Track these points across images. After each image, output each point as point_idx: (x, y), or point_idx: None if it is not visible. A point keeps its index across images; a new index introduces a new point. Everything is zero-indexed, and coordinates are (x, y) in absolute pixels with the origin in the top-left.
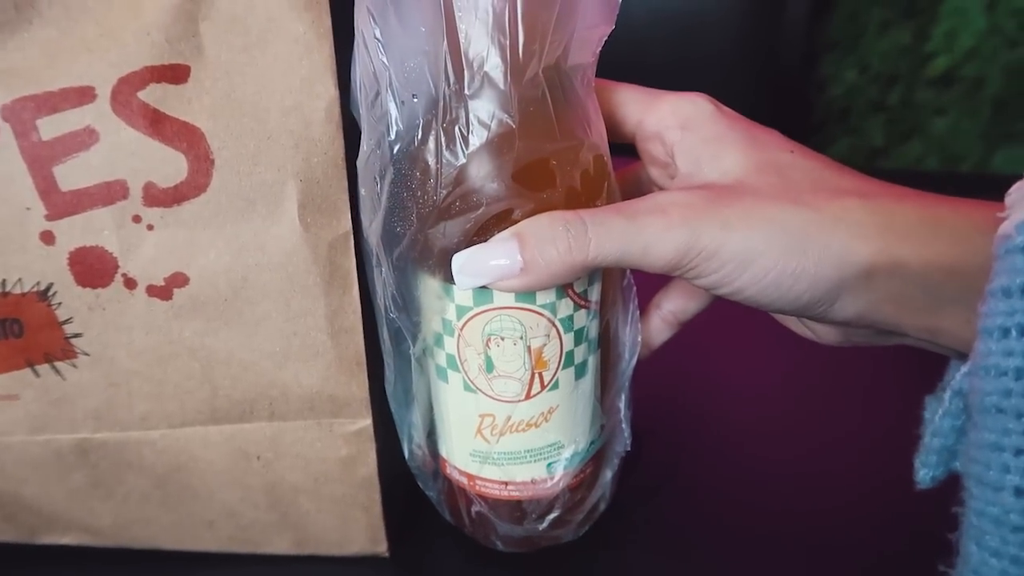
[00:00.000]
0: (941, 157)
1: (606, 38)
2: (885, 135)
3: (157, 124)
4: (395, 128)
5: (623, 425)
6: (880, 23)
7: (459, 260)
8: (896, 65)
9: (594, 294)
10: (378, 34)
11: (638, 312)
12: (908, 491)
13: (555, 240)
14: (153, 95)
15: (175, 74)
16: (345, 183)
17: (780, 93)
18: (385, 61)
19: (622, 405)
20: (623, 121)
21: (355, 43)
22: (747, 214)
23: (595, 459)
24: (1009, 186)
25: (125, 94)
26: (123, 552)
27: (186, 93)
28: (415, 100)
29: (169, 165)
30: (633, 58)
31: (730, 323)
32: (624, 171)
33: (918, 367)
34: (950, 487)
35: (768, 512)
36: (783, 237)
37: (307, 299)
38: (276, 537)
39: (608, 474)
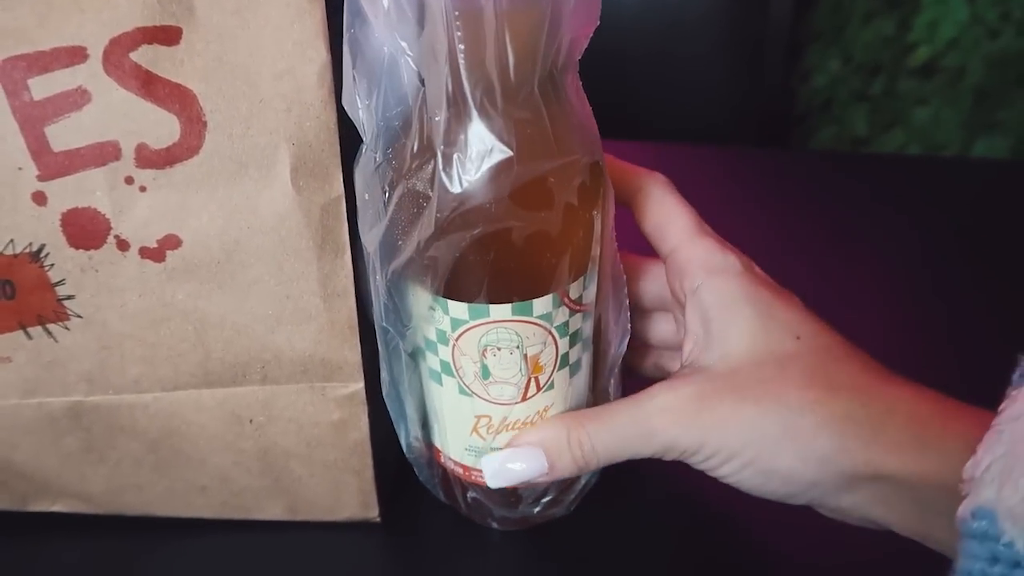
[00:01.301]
0: (923, 146)
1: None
2: (868, 124)
3: (149, 85)
4: (417, 145)
5: None
6: (863, 14)
7: (491, 468)
8: (879, 55)
9: (589, 296)
10: (408, 48)
11: (627, 300)
12: None
13: (570, 450)
14: (145, 56)
15: (167, 36)
16: (337, 147)
17: (765, 83)
18: (420, 77)
19: (612, 388)
20: (662, 240)
21: (352, 42)
22: (725, 420)
23: None
24: (988, 171)
25: (117, 55)
26: (115, 519)
27: (178, 55)
28: (436, 120)
29: (161, 127)
30: (620, 49)
31: None
32: (646, 265)
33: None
34: None
35: None
36: (758, 441)
37: (299, 263)
38: (268, 503)
39: None
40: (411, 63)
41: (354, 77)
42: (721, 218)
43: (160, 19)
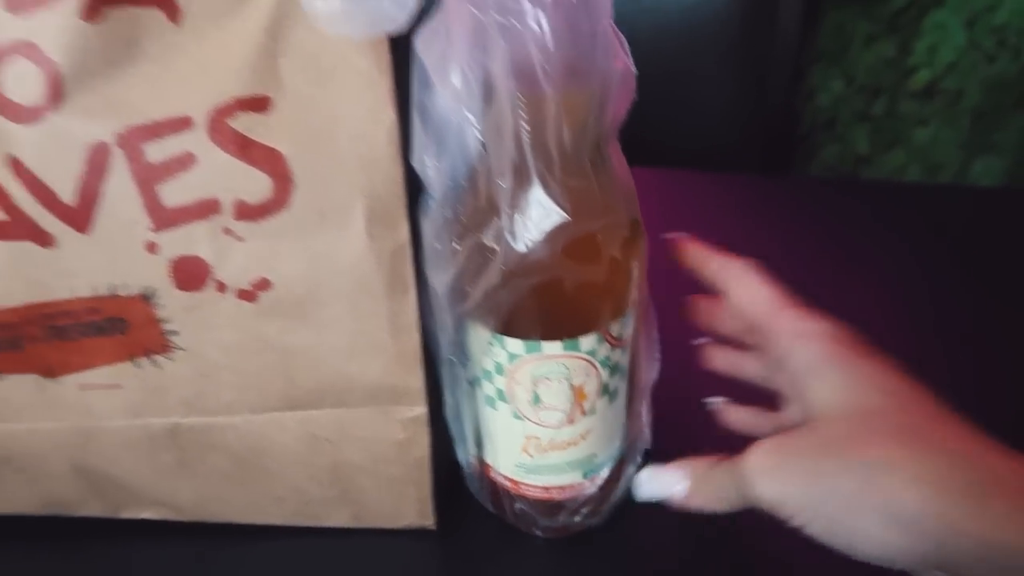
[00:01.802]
0: (923, 166)
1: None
2: (870, 143)
3: (245, 149)
4: (483, 203)
5: (645, 429)
6: (865, 36)
7: (641, 480)
8: (880, 77)
9: (626, 333)
10: (474, 121)
11: (657, 333)
12: None
13: (706, 488)
14: (241, 123)
15: (259, 104)
16: (404, 199)
17: (770, 103)
18: (484, 145)
19: (644, 411)
20: (754, 316)
21: (420, 108)
22: (806, 475)
23: (622, 458)
24: (986, 198)
25: (218, 122)
26: (192, 525)
27: (269, 121)
28: (502, 186)
29: (256, 184)
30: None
31: None
32: (709, 304)
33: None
34: None
35: None
36: (838, 496)
37: (371, 301)
38: (336, 512)
39: (631, 469)
40: (476, 133)
41: (423, 140)
42: (731, 245)
43: (253, 90)
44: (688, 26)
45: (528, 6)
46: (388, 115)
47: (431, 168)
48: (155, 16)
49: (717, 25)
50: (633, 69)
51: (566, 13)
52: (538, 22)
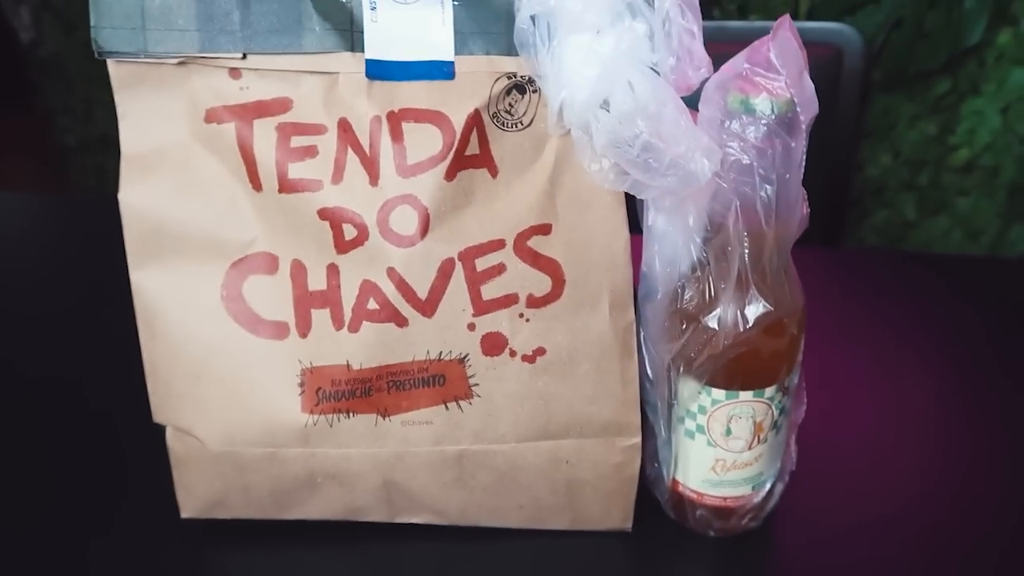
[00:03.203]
0: (964, 231)
1: None
2: (916, 210)
3: (536, 259)
4: (707, 298)
5: (792, 455)
6: (910, 117)
7: None
8: (925, 153)
9: (793, 384)
10: (701, 246)
11: (804, 384)
12: None
13: None
14: (534, 242)
15: (545, 229)
16: (632, 290)
17: (830, 174)
18: (707, 259)
19: (792, 441)
20: None
21: (651, 229)
22: None
23: (777, 476)
24: (1019, 270)
25: (520, 243)
26: (450, 528)
27: (550, 240)
28: (723, 287)
29: (541, 283)
30: None
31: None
32: None
33: None
34: None
35: (899, 508)
36: None
37: (609, 362)
38: (559, 517)
39: (781, 486)
40: (701, 252)
41: (652, 250)
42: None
43: (541, 219)
44: None
45: (759, 181)
46: (624, 233)
47: (658, 270)
48: (483, 174)
49: None
50: (808, 210)
51: (781, 184)
52: (766, 192)
